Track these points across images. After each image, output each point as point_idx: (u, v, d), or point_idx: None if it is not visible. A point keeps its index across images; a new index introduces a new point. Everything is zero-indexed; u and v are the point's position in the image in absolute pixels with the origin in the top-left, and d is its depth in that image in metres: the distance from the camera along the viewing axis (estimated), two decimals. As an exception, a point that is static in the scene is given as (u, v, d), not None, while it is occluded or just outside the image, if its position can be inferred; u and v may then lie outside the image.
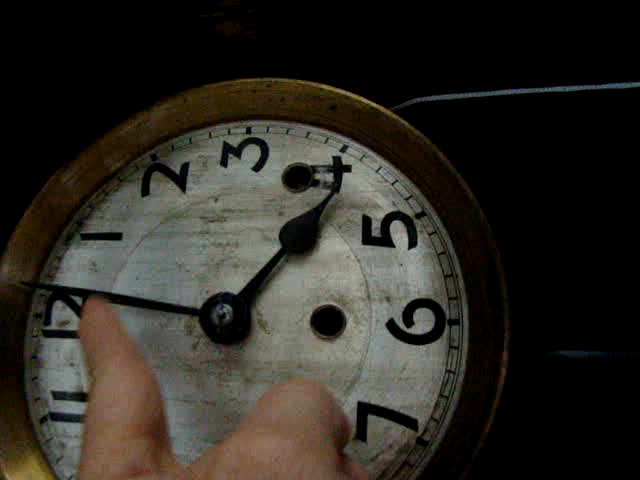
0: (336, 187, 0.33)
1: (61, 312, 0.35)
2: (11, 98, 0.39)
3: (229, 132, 0.36)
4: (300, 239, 0.32)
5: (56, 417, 0.33)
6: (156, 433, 0.22)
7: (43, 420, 0.33)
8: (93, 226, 0.36)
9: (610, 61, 0.38)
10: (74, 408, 0.33)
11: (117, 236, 0.35)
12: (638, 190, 0.36)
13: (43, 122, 0.38)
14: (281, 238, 0.32)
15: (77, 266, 0.35)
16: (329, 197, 0.32)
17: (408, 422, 0.29)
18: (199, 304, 0.32)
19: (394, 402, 0.29)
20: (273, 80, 0.35)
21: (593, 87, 0.36)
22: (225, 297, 0.31)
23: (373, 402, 0.29)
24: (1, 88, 0.38)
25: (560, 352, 0.37)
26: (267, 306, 0.32)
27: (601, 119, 0.37)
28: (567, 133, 0.36)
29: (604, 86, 0.36)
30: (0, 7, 0.37)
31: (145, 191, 0.36)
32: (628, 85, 0.36)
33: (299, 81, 0.35)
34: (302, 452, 0.18)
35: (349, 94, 0.34)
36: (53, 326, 0.35)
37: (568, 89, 0.35)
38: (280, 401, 0.20)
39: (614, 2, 0.39)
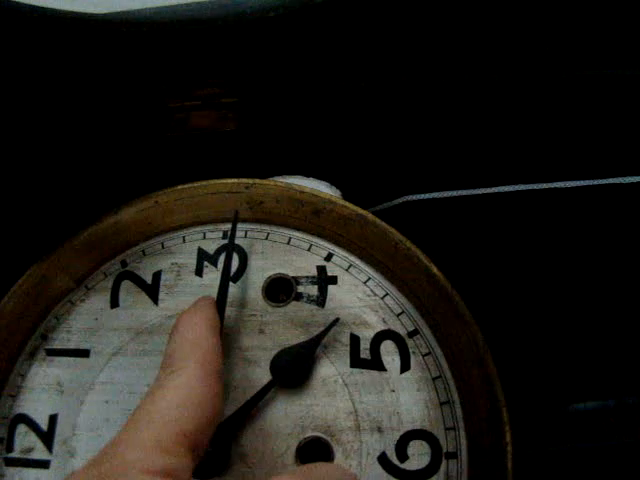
0: (321, 301, 0.30)
1: (24, 438, 0.32)
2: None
3: (204, 237, 0.33)
4: (294, 372, 0.29)
5: None
6: (198, 453, 0.22)
7: None
8: (59, 341, 0.33)
9: (608, 157, 0.37)
10: None
11: (85, 353, 0.32)
12: (623, 283, 0.35)
13: (5, 225, 0.36)
14: (272, 368, 0.29)
15: (42, 386, 0.32)
16: (329, 328, 0.29)
17: None
18: (174, 433, 0.29)
19: None
20: (251, 181, 0.33)
21: (590, 183, 0.34)
22: (203, 430, 0.28)
23: None
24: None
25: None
26: (248, 437, 0.29)
27: (600, 214, 0.35)
28: (565, 229, 0.34)
29: (603, 181, 0.34)
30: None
31: (114, 302, 0.33)
32: (621, 180, 0.34)
33: (279, 183, 0.32)
34: None
35: (334, 199, 0.31)
36: (16, 453, 0.32)
37: (567, 185, 0.33)
38: None
39: (590, 97, 0.38)
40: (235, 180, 0.33)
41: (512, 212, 0.35)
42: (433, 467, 0.28)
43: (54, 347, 0.33)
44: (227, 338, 0.31)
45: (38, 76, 0.33)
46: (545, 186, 0.34)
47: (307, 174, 0.35)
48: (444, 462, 0.28)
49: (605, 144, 0.39)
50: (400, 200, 0.33)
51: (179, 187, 0.34)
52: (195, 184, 0.33)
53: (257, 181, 0.33)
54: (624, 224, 0.37)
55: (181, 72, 0.33)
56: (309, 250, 0.32)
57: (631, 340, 0.36)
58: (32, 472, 0.31)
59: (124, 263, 0.34)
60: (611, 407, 0.36)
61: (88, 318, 0.33)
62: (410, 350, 0.29)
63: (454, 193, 0.33)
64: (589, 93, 0.39)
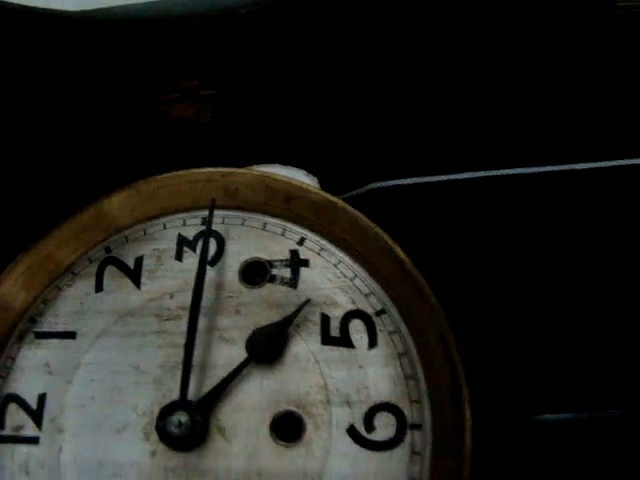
0: (294, 283, 0.32)
1: (14, 416, 0.33)
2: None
3: (184, 223, 0.35)
4: (268, 350, 0.31)
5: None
6: None
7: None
8: (47, 324, 0.35)
9: (572, 143, 0.38)
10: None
11: (71, 335, 0.34)
12: (595, 274, 0.36)
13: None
14: (248, 346, 0.31)
15: (31, 367, 0.34)
16: (300, 308, 0.31)
17: (372, 535, 0.28)
18: (156, 409, 0.31)
19: (357, 514, 0.28)
20: (227, 170, 0.34)
21: (557, 168, 0.35)
22: (183, 405, 0.30)
23: (335, 514, 0.28)
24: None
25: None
26: (226, 411, 0.31)
27: (566, 200, 0.37)
28: (535, 217, 0.36)
29: (566, 167, 0.36)
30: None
31: (99, 287, 0.35)
32: (586, 166, 0.36)
33: (254, 172, 0.34)
34: None
35: (305, 186, 0.33)
36: (7, 431, 0.33)
37: (531, 171, 0.35)
38: None
39: (567, 87, 0.39)
40: (212, 169, 0.35)
41: (476, 199, 0.36)
42: (399, 438, 0.29)
43: (42, 330, 0.35)
44: (205, 319, 0.32)
45: (19, 72, 0.35)
46: (511, 172, 0.35)
47: (285, 163, 0.36)
48: (409, 433, 0.29)
49: (574, 130, 0.41)
50: (368, 187, 0.34)
51: (159, 177, 0.35)
52: (174, 173, 0.35)
53: (233, 170, 0.34)
54: (589, 212, 0.39)
55: (159, 67, 0.34)
56: (283, 235, 0.34)
57: (615, 347, 0.38)
58: (23, 448, 0.33)
59: (108, 249, 0.35)
60: (584, 419, 0.38)
61: (74, 302, 0.35)
62: (377, 328, 0.31)
63: (419, 180, 0.35)
64: (558, 78, 0.41)
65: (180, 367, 0.32)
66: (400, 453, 0.29)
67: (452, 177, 0.35)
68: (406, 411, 0.30)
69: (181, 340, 0.32)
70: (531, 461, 0.36)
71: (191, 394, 0.31)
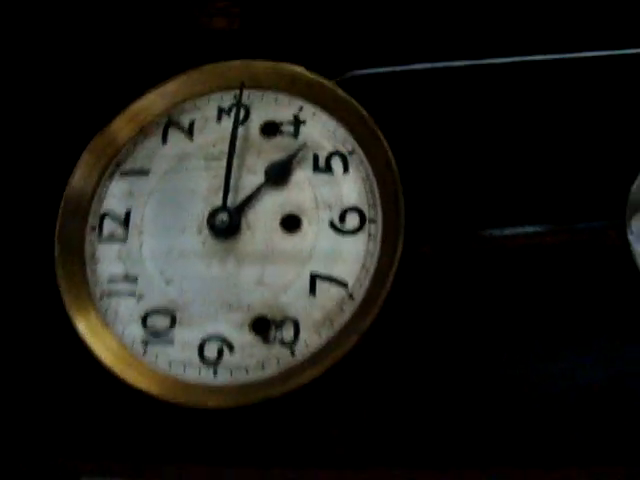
0: (295, 135, 0.49)
1: (109, 225, 0.50)
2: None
3: (222, 98, 0.52)
4: (279, 176, 0.47)
5: (110, 294, 0.49)
6: None
7: (101, 297, 0.49)
8: (128, 165, 0.51)
9: (541, 32, 0.48)
10: (122, 288, 0.49)
11: (146, 172, 0.51)
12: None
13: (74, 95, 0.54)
14: (265, 174, 0.48)
15: (119, 194, 0.51)
16: (299, 150, 0.48)
17: (342, 284, 0.45)
18: (206, 214, 0.48)
19: (333, 272, 0.46)
20: (250, 62, 0.51)
21: (527, 58, 0.47)
22: (224, 209, 0.47)
23: (320, 272, 0.46)
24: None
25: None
26: (251, 214, 0.47)
27: (532, 90, 0.47)
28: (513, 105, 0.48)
29: (536, 57, 0.46)
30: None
31: (164, 140, 0.51)
32: (557, 57, 0.46)
33: (269, 63, 0.50)
34: None
35: (303, 71, 0.50)
36: (105, 235, 0.50)
37: (502, 61, 0.48)
38: None
39: None
40: (240, 61, 0.51)
41: (442, 88, 0.49)
42: (361, 227, 0.46)
43: (126, 169, 0.52)
44: (237, 159, 0.49)
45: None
46: (485, 62, 0.48)
47: (284, 58, 0.51)
48: (367, 225, 0.46)
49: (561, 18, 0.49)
50: (349, 74, 0.50)
51: (204, 67, 0.52)
52: (214, 64, 0.51)
53: (254, 61, 0.51)
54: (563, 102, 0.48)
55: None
56: (288, 105, 0.50)
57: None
58: (116, 245, 0.50)
59: (169, 117, 0.52)
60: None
61: (147, 151, 0.51)
62: (349, 161, 0.48)
63: (394, 69, 0.50)
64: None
65: (221, 189, 0.48)
66: (361, 237, 0.46)
67: (428, 66, 0.49)
68: (366, 211, 0.47)
69: (222, 172, 0.49)
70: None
71: (229, 203, 0.48)
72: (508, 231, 0.46)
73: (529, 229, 0.46)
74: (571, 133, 0.48)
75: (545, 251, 0.45)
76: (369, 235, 0.46)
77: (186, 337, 0.46)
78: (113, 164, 0.52)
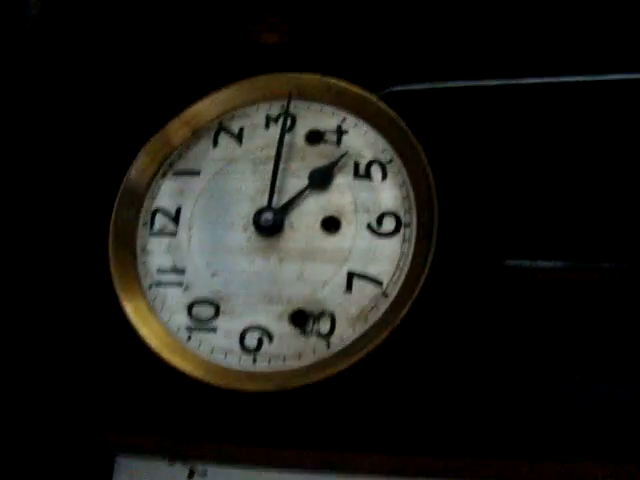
0: (338, 143, 0.53)
1: (160, 220, 0.54)
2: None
3: (270, 107, 0.56)
4: (321, 181, 0.51)
5: (158, 284, 0.53)
6: None
7: (150, 287, 0.53)
8: (181, 165, 0.55)
9: (589, 54, 0.50)
10: (170, 279, 0.52)
11: (197, 172, 0.55)
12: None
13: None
14: (309, 179, 0.51)
15: (171, 192, 0.55)
16: (341, 157, 0.51)
17: (377, 283, 0.49)
18: (252, 212, 0.51)
19: (369, 271, 0.49)
20: (298, 74, 0.55)
21: (570, 79, 0.49)
22: (269, 209, 0.51)
23: (357, 271, 0.49)
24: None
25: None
26: (294, 214, 0.51)
27: (575, 110, 0.49)
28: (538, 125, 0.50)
29: (579, 78, 0.48)
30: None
31: (215, 144, 0.55)
32: (605, 77, 0.47)
33: (316, 76, 0.54)
34: None
35: (348, 85, 0.53)
36: (156, 229, 0.54)
37: (536, 81, 0.51)
38: None
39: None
40: (290, 74, 0.55)
41: (487, 106, 0.52)
42: (397, 230, 0.50)
43: (178, 169, 0.55)
44: (282, 164, 0.53)
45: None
46: (526, 82, 0.51)
47: (330, 72, 0.55)
48: (403, 229, 0.50)
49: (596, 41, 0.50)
50: (390, 89, 0.54)
51: (254, 78, 0.56)
52: (264, 76, 0.55)
53: (303, 74, 0.55)
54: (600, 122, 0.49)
55: (256, 7, 0.55)
56: (332, 115, 0.54)
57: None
58: (166, 239, 0.53)
59: (220, 123, 0.56)
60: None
61: (199, 152, 0.55)
62: (388, 169, 0.51)
63: (434, 85, 0.53)
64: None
65: (267, 191, 0.52)
66: (397, 239, 0.49)
67: (463, 84, 0.53)
68: (401, 216, 0.50)
69: (268, 175, 0.52)
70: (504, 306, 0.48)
71: (274, 204, 0.51)
72: (537, 264, 0.48)
73: (558, 264, 0.47)
74: (609, 170, 0.49)
75: (571, 287, 0.46)
76: (404, 238, 0.49)
77: (229, 326, 0.49)
78: (166, 164, 0.56)
